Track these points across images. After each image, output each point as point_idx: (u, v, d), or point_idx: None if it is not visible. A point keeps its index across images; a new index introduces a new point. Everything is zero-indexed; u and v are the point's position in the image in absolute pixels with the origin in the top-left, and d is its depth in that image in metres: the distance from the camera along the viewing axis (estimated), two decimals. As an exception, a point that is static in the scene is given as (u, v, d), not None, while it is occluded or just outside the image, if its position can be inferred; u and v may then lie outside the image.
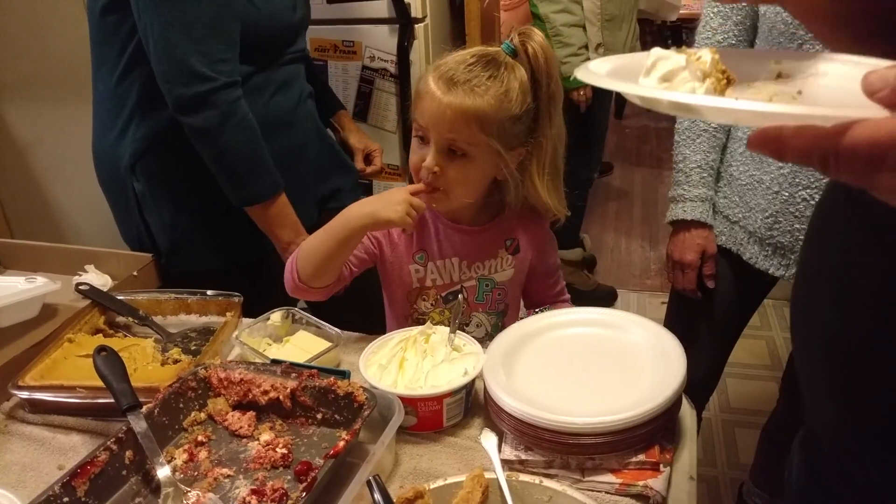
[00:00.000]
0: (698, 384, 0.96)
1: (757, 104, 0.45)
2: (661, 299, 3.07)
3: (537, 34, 1.16)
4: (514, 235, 1.29)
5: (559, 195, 1.24)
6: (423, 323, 1.13)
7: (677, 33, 4.43)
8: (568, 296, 1.39)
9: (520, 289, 1.34)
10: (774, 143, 0.45)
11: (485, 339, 1.12)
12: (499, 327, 1.30)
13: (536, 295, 1.37)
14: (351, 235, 1.15)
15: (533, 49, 1.14)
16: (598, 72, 0.58)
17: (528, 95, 1.15)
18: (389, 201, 1.14)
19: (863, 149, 0.42)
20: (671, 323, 1.64)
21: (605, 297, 3.06)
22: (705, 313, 1.57)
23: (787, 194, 1.32)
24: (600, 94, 2.66)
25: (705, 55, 0.56)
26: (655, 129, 5.09)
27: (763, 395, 2.44)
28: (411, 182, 1.21)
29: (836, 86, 0.56)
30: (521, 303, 1.39)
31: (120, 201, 1.54)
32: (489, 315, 1.31)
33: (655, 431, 0.91)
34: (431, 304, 1.29)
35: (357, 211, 1.15)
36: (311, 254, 1.18)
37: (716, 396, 2.44)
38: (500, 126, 1.13)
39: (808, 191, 1.30)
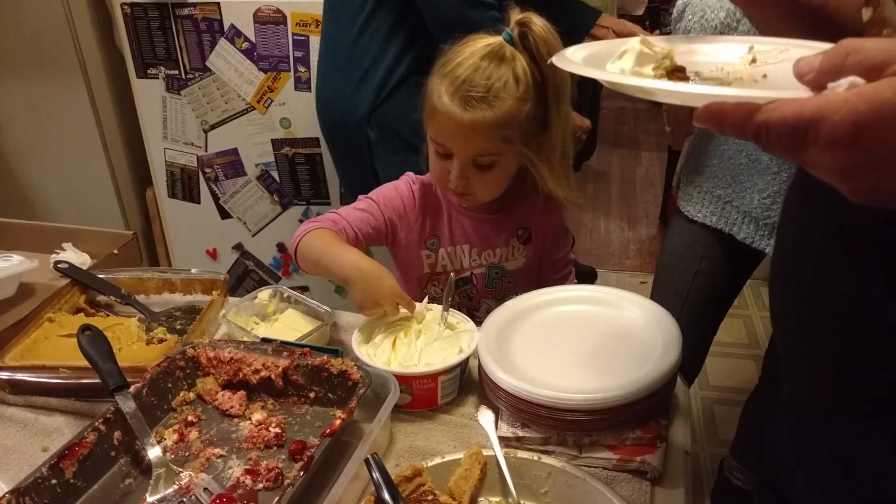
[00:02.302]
0: (684, 364, 0.96)
1: (696, 87, 0.52)
2: (640, 279, 3.11)
3: (537, 21, 1.10)
4: (527, 225, 1.28)
5: (570, 183, 1.23)
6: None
7: (655, 14, 4.42)
8: None
9: (532, 279, 1.32)
10: (715, 116, 0.50)
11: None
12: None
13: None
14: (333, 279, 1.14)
15: (534, 40, 1.10)
16: (573, 59, 0.64)
17: (538, 89, 1.12)
18: (377, 296, 1.07)
19: (789, 123, 0.46)
20: (657, 303, 1.64)
21: (585, 277, 3.06)
22: (693, 293, 1.57)
23: (786, 175, 1.32)
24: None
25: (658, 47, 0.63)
26: (633, 110, 5.10)
27: (741, 373, 2.48)
28: None
29: None
30: None
31: (351, 151, 1.56)
32: (499, 303, 1.29)
33: (651, 408, 0.91)
34: (441, 290, 1.27)
35: (355, 281, 1.09)
36: (308, 259, 1.17)
37: (696, 374, 2.47)
38: (520, 128, 1.12)
39: None
